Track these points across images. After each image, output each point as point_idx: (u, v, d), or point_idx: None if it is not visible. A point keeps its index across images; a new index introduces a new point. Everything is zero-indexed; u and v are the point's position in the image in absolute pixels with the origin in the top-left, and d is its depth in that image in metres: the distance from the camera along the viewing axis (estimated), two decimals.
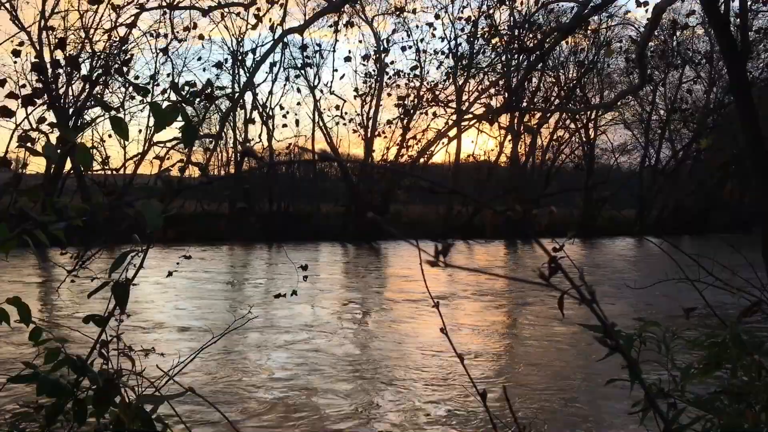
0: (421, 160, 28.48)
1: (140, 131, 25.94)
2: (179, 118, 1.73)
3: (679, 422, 1.73)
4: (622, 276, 17.18)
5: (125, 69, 10.23)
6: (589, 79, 34.32)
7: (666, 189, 35.87)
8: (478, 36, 22.34)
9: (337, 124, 29.96)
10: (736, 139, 27.44)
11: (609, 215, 34.71)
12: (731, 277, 2.77)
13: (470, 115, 26.00)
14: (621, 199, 37.40)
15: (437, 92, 28.13)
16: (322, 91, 29.30)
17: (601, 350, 1.37)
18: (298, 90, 27.49)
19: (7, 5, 21.79)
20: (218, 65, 16.21)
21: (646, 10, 10.55)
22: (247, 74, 27.56)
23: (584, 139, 36.32)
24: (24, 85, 20.18)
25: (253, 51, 15.17)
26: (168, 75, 24.93)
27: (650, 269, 17.87)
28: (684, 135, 37.24)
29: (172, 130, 1.89)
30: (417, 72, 28.67)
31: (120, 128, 1.73)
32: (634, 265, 21.39)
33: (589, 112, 35.11)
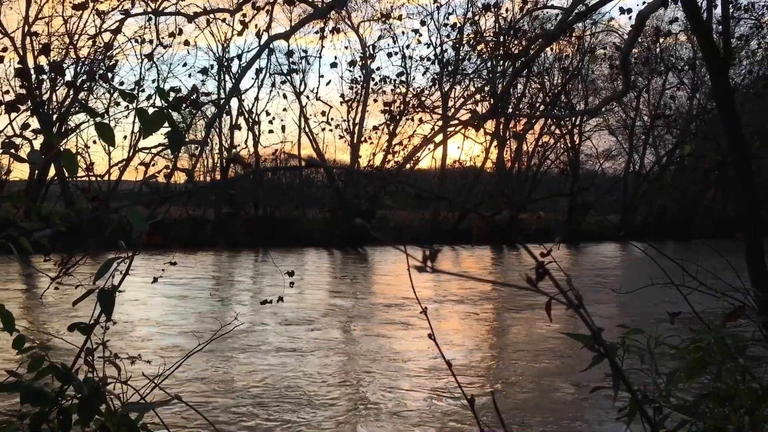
0: (408, 165, 28.54)
1: (125, 137, 25.79)
2: (165, 124, 1.72)
3: (665, 426, 1.74)
4: (607, 280, 17.28)
5: (110, 75, 10.17)
6: (574, 85, 34.55)
7: (650, 194, 36.12)
8: (464, 42, 22.42)
9: (324, 130, 29.92)
10: (719, 144, 27.68)
11: (594, 220, 34.91)
12: (715, 281, 2.80)
13: (456, 121, 26.13)
14: (606, 205, 37.62)
15: (423, 98, 28.19)
16: (308, 97, 29.29)
17: (587, 354, 1.37)
18: (284, 96, 27.44)
19: None
20: (204, 71, 16.10)
21: (630, 18, 10.65)
22: (233, 80, 27.51)
23: (569, 144, 36.54)
24: (7, 91, 20.03)
25: (239, 57, 15.12)
26: (153, 81, 24.80)
27: (635, 274, 17.99)
28: (668, 141, 37.55)
29: (158, 137, 1.88)
30: (403, 78, 28.73)
31: (106, 134, 1.72)
32: (620, 270, 21.52)
33: (573, 118, 35.34)
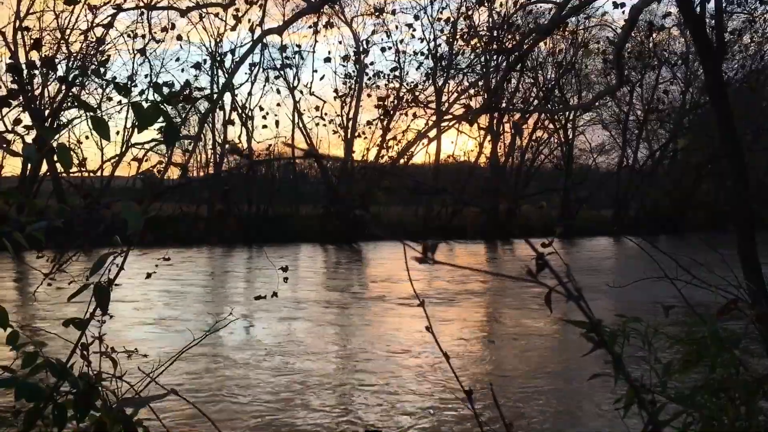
0: (402, 160, 28.48)
1: (117, 133, 25.64)
2: (160, 119, 1.71)
3: (659, 418, 1.74)
4: (601, 274, 17.33)
5: (102, 70, 10.09)
6: (567, 80, 34.58)
7: (643, 189, 36.23)
8: (457, 37, 22.39)
9: (317, 125, 29.84)
10: (711, 138, 27.79)
11: (588, 215, 35.02)
12: (708, 275, 2.80)
13: (450, 116, 26.06)
14: (599, 199, 37.72)
15: (417, 93, 28.15)
16: (301, 92, 29.18)
17: (583, 346, 1.38)
18: (278, 91, 27.22)
19: None
20: (197, 66, 15.99)
21: (623, 12, 10.66)
22: (226, 75, 27.38)
23: (563, 139, 36.60)
24: None
25: (232, 52, 15.03)
26: (146, 76, 24.69)
27: (629, 268, 18.04)
28: (661, 135, 37.67)
29: (150, 132, 1.87)
30: (396, 73, 28.69)
31: (101, 129, 1.71)
32: (613, 264, 21.58)
33: (567, 113, 35.37)
